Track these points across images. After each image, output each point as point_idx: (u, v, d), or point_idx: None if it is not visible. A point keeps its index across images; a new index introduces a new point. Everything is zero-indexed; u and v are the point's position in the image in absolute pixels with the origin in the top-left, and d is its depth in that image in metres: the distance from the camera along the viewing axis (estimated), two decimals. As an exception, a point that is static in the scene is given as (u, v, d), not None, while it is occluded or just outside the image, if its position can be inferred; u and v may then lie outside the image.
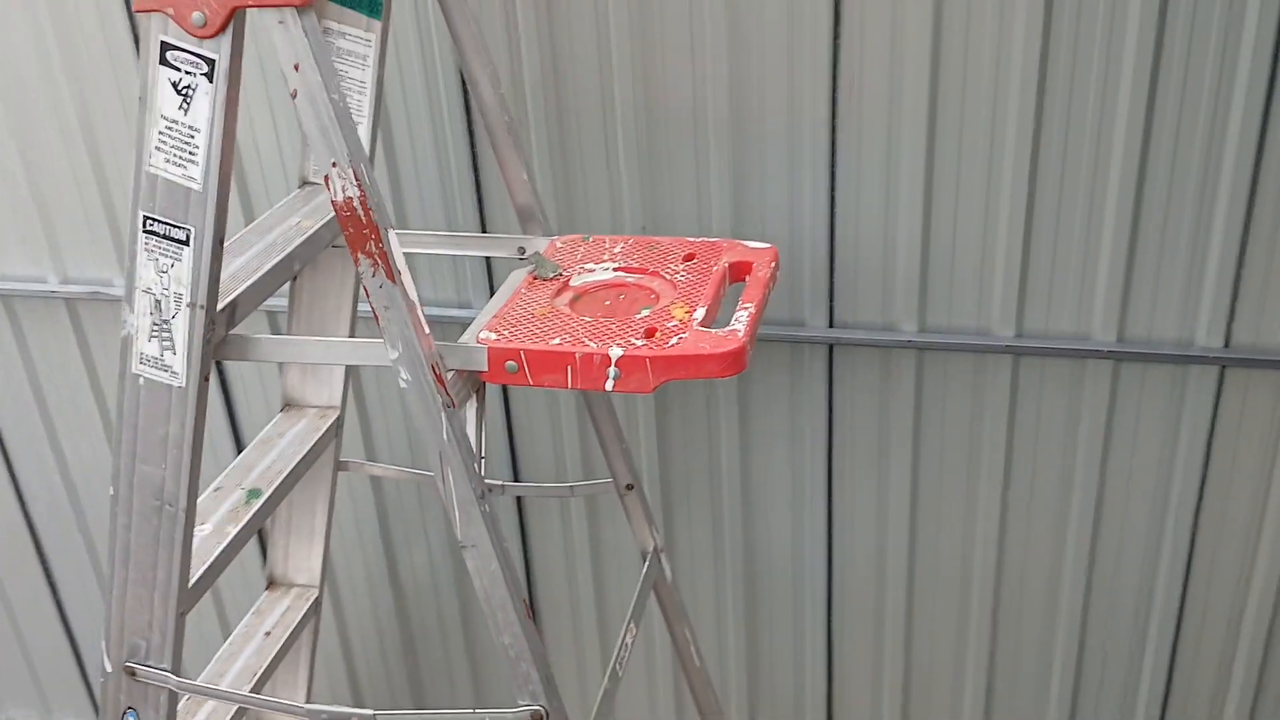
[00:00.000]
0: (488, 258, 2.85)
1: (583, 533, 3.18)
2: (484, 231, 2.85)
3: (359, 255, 1.84)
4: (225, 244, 2.24)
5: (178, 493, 2.10)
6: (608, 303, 2.15)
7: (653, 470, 3.01)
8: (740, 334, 1.93)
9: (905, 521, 2.95)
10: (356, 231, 1.83)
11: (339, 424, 2.77)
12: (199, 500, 2.42)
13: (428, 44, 2.71)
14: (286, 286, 2.42)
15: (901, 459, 2.87)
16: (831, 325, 2.76)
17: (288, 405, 2.81)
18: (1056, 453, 2.77)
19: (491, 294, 2.92)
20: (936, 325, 2.69)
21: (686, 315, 2.02)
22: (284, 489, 2.57)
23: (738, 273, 2.22)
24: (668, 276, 2.19)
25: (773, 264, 2.21)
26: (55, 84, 2.95)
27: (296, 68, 1.76)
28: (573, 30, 2.62)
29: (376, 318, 1.88)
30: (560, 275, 2.21)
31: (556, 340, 1.96)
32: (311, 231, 2.35)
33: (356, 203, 1.81)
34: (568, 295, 2.17)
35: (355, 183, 1.80)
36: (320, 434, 2.71)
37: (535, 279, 2.21)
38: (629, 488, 2.65)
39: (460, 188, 2.83)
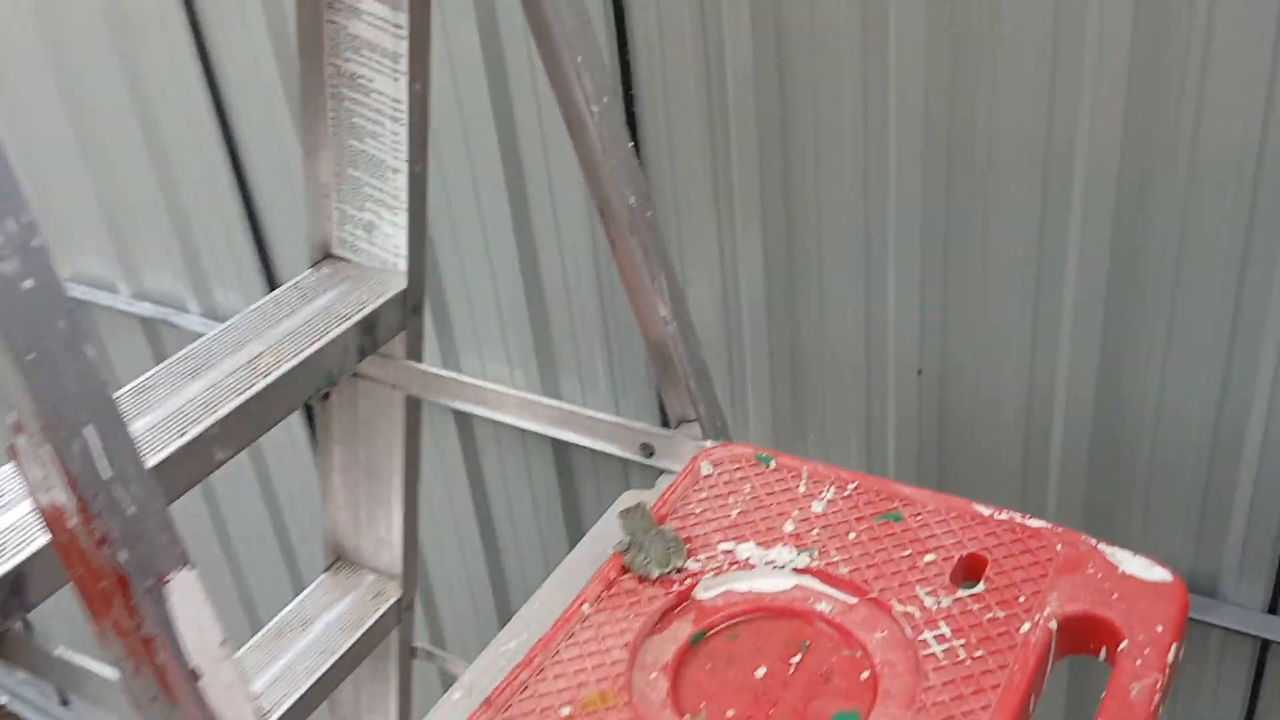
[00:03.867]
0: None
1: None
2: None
3: (97, 626, 0.76)
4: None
5: None
6: (761, 672, 0.96)
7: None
8: None
9: None
10: (86, 575, 0.74)
11: (401, 607, 1.77)
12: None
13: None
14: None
15: None
16: (1274, 610, 1.42)
17: (339, 560, 1.82)
18: None
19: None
20: None
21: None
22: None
23: (1080, 634, 0.96)
24: (913, 614, 0.96)
25: (1177, 633, 0.93)
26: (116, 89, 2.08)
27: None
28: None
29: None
30: (678, 570, 1.04)
31: (586, 833, 0.81)
32: (288, 367, 1.29)
33: (73, 522, 0.72)
34: (682, 628, 1.00)
35: (64, 480, 0.71)
36: (380, 615, 1.74)
37: (628, 568, 1.05)
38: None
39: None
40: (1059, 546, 1.01)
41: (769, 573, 1.03)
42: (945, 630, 0.95)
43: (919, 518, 1.06)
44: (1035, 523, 1.04)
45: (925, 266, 1.45)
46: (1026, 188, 1.37)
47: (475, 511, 2.13)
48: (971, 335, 1.47)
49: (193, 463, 1.18)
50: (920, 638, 0.94)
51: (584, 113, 1.15)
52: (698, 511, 1.10)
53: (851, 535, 1.05)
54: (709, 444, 1.20)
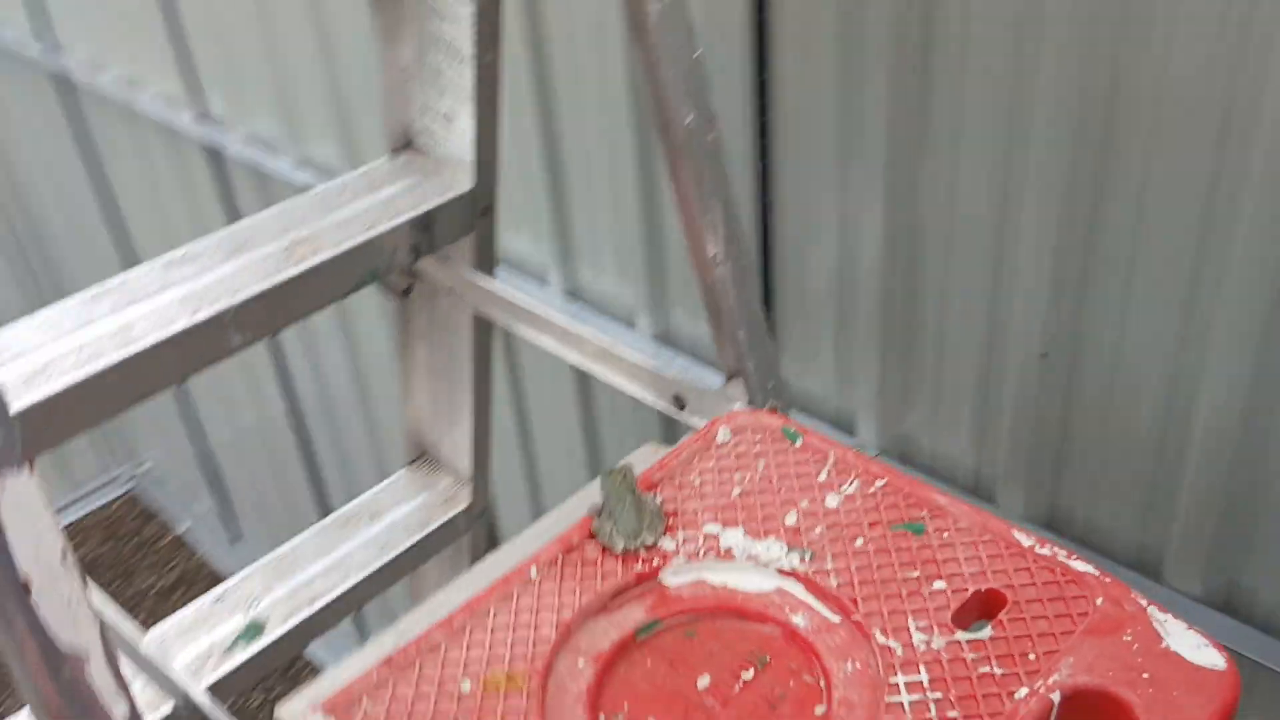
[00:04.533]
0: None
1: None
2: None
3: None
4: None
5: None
6: (705, 681, 0.83)
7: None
8: None
9: None
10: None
11: (472, 515, 1.72)
12: (161, 627, 1.51)
13: None
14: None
15: None
16: None
17: (423, 456, 1.79)
18: None
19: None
20: None
21: None
22: (324, 622, 1.59)
23: (1089, 714, 0.78)
24: (894, 649, 0.81)
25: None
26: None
27: None
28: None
29: None
30: (647, 547, 0.91)
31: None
32: (324, 258, 1.22)
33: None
34: (633, 614, 0.87)
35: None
36: (445, 521, 1.70)
37: (594, 535, 0.93)
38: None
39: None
40: (1099, 600, 0.82)
41: (750, 569, 0.89)
42: (924, 677, 0.79)
43: (944, 534, 0.89)
44: (1080, 566, 0.85)
45: (1063, 236, 1.23)
46: (1196, 151, 1.13)
47: (584, 437, 2.05)
48: (1109, 321, 1.25)
49: (205, 344, 1.13)
50: (892, 680, 0.79)
51: (643, 11, 1.00)
52: (696, 483, 0.96)
53: (859, 541, 0.89)
54: (738, 406, 1.06)
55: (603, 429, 2.05)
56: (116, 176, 3.16)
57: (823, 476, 0.95)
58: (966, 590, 0.84)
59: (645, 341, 1.79)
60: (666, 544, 0.91)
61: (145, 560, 4.80)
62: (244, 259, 1.19)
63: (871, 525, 0.91)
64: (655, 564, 0.90)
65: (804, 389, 1.64)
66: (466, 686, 0.81)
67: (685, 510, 0.94)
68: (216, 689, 1.45)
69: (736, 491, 0.95)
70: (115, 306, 1.13)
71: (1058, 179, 1.22)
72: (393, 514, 1.70)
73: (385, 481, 1.74)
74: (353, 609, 1.61)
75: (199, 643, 1.50)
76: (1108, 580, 0.83)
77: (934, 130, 1.31)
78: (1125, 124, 1.17)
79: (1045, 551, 0.86)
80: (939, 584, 0.85)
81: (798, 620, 0.85)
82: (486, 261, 1.38)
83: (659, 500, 0.94)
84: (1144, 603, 0.81)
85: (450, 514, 1.68)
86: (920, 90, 1.30)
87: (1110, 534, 1.36)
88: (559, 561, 0.90)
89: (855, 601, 0.85)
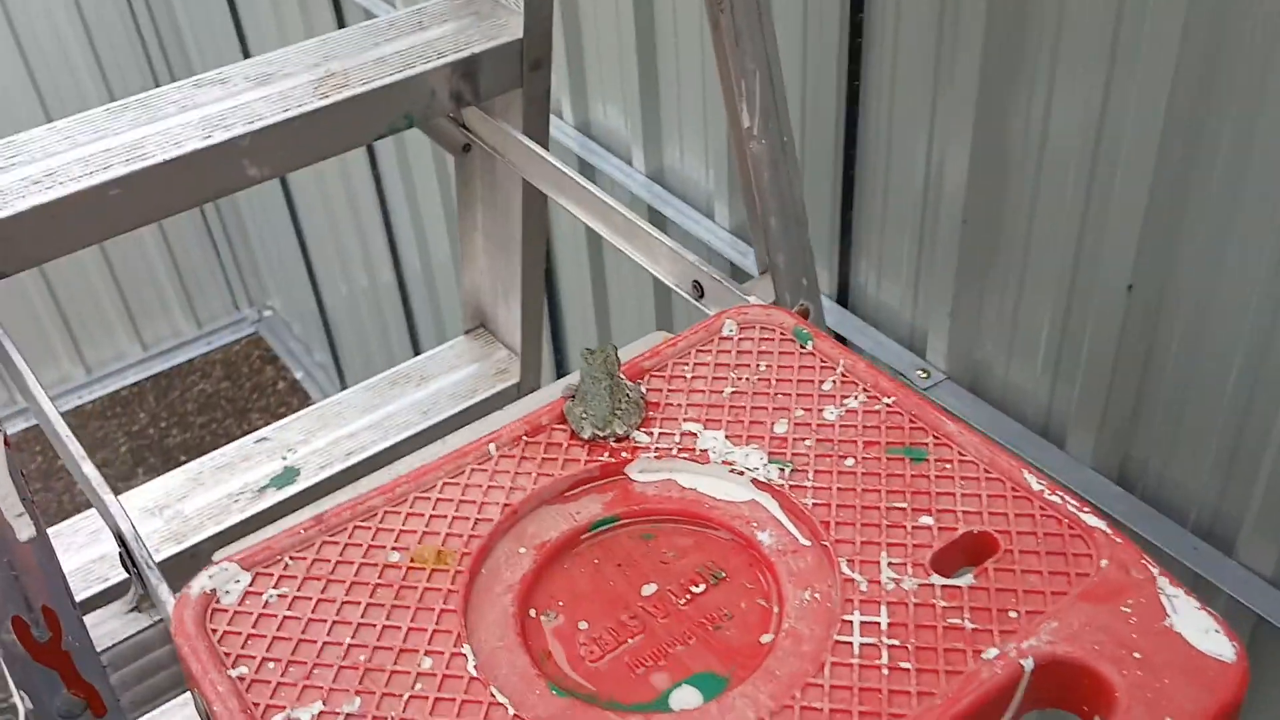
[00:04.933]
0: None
1: None
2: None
3: None
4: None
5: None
6: (651, 590, 0.75)
7: None
8: None
9: None
10: None
11: (521, 392, 1.66)
12: (198, 462, 1.51)
13: None
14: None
15: None
16: None
17: (480, 326, 1.74)
18: None
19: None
20: None
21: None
22: (356, 478, 1.57)
23: (1064, 687, 0.68)
24: (858, 583, 0.72)
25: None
26: None
27: None
28: None
29: None
30: (617, 438, 0.83)
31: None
32: (351, 93, 1.14)
33: None
34: (589, 507, 0.80)
35: None
36: (491, 394, 1.65)
37: (565, 419, 0.86)
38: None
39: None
40: (1104, 562, 0.71)
41: (724, 476, 0.81)
42: (883, 619, 0.70)
43: (946, 466, 0.79)
44: (1092, 520, 0.74)
45: (1161, 165, 1.08)
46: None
47: (656, 315, 1.98)
48: (1204, 257, 1.10)
49: (216, 170, 1.08)
50: (846, 617, 0.70)
51: None
52: (687, 376, 0.88)
53: (849, 461, 0.80)
54: (753, 300, 0.96)
55: (678, 328, 1.98)
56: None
57: (827, 386, 0.86)
58: (956, 530, 0.75)
59: (721, 232, 1.69)
60: (640, 437, 0.83)
61: (259, 401, 4.95)
62: (272, 88, 1.14)
63: (867, 445, 0.81)
64: (624, 457, 0.82)
65: (880, 303, 1.53)
66: (394, 558, 0.76)
67: (670, 404, 0.86)
68: (242, 529, 1.45)
69: (728, 391, 0.86)
70: (135, 122, 1.09)
71: (1158, 107, 1.07)
72: (441, 380, 1.66)
73: (440, 347, 1.70)
74: (386, 469, 1.58)
75: (232, 481, 1.49)
76: (1119, 540, 0.73)
77: (1029, 51, 1.17)
78: (1232, 51, 1.01)
79: (1055, 499, 0.76)
80: (926, 519, 0.75)
81: (763, 538, 0.77)
82: (538, 124, 1.29)
83: (642, 390, 0.86)
84: (1155, 571, 0.70)
85: (499, 387, 1.63)
86: (1018, 11, 1.16)
87: (1184, 494, 1.23)
88: (521, 442, 0.84)
89: (828, 525, 0.76)
